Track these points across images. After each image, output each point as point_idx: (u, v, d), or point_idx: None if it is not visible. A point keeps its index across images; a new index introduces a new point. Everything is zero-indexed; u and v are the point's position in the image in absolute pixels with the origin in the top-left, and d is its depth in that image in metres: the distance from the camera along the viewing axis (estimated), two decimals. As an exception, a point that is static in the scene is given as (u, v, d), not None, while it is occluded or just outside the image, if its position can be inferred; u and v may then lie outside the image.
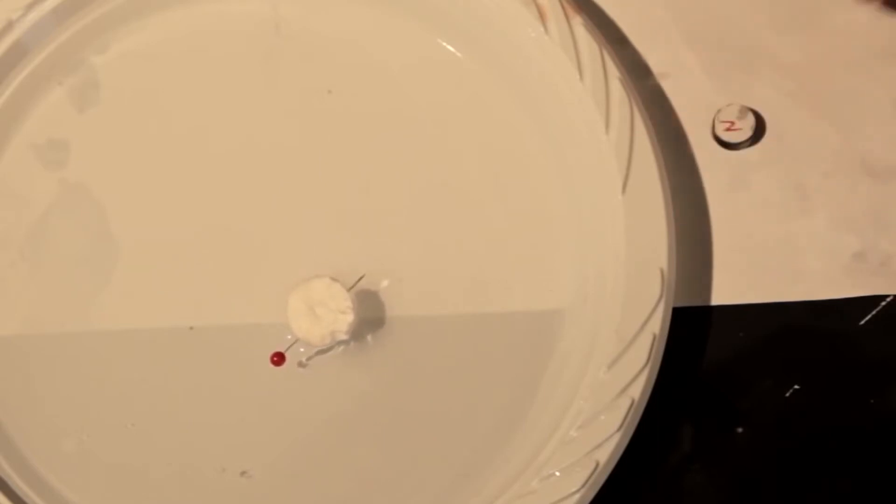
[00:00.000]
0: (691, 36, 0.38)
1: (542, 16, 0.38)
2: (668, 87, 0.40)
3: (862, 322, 0.39)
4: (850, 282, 0.39)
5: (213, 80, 0.40)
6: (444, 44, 0.40)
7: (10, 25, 0.39)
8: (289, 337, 0.37)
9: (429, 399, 0.38)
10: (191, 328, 0.38)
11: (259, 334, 0.38)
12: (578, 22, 0.37)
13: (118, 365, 0.38)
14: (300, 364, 0.38)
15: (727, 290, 0.39)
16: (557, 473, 0.35)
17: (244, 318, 0.38)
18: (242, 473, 0.38)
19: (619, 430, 0.35)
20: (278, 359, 0.37)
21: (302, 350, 0.37)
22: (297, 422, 0.38)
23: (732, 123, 0.39)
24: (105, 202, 0.39)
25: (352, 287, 0.37)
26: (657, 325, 0.36)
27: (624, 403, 0.35)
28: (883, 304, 0.39)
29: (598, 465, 0.35)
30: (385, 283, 0.38)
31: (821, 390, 0.38)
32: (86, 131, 0.40)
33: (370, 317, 0.38)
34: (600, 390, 0.35)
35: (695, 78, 0.40)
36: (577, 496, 0.35)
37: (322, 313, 0.36)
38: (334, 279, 0.36)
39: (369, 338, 0.38)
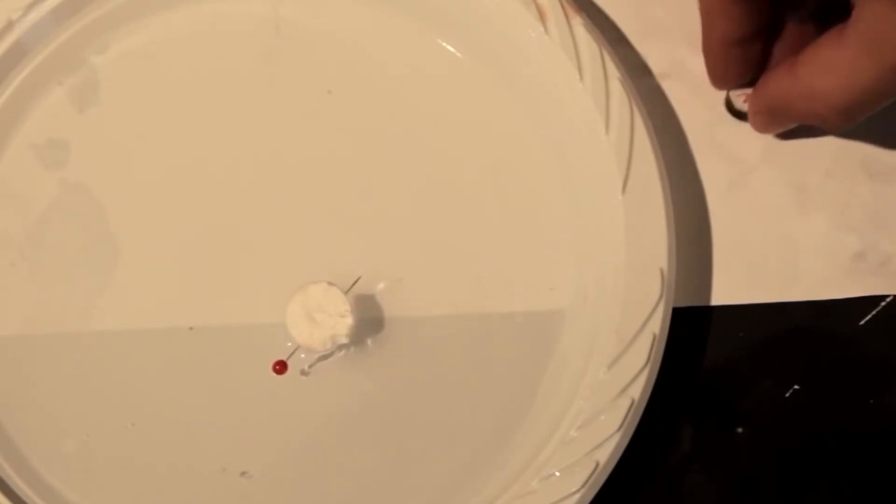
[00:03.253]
0: (691, 36, 0.38)
1: (542, 16, 0.38)
2: (668, 87, 0.40)
3: (862, 322, 0.39)
4: (850, 282, 0.39)
5: (213, 80, 0.40)
6: (444, 44, 0.40)
7: (10, 25, 0.39)
8: (289, 344, 0.37)
9: (428, 399, 0.38)
10: (191, 328, 0.38)
11: (259, 335, 0.38)
12: (578, 22, 0.37)
13: (118, 365, 0.38)
14: (303, 372, 0.38)
15: (727, 290, 0.39)
16: (557, 473, 0.35)
17: (244, 319, 0.38)
18: (242, 473, 0.38)
19: (619, 430, 0.35)
20: (280, 367, 0.37)
21: (303, 357, 0.37)
22: (296, 422, 0.38)
23: (749, 94, 0.39)
24: (105, 202, 0.39)
25: (349, 290, 0.37)
26: (657, 325, 0.36)
27: (624, 403, 0.35)
28: (883, 304, 0.39)
29: (598, 465, 0.35)
30: (381, 285, 0.38)
31: (821, 390, 0.38)
32: (86, 131, 0.40)
33: (369, 318, 0.38)
34: (600, 390, 0.35)
35: (695, 78, 0.39)
36: (577, 496, 0.35)
37: (321, 318, 0.36)
38: (331, 283, 0.36)
39: (369, 339, 0.38)
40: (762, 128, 0.38)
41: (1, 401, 0.38)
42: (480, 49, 0.39)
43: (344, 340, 0.36)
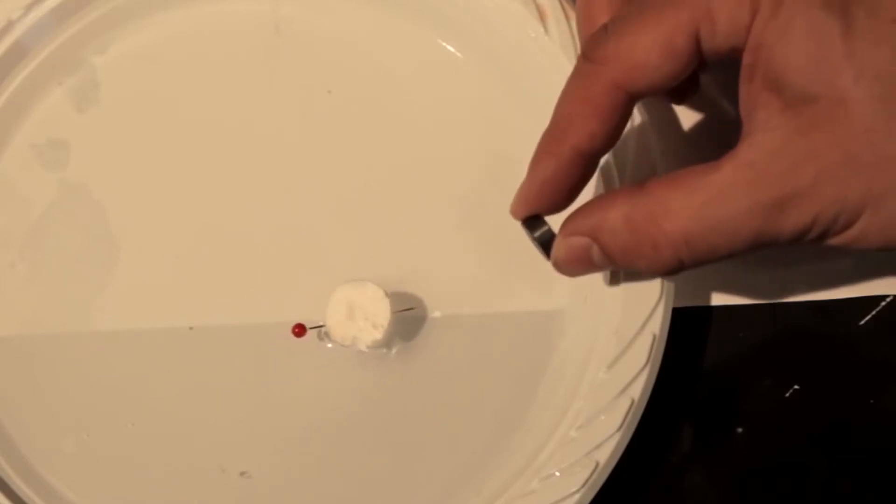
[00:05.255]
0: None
1: (542, 16, 0.38)
2: (667, 87, 0.40)
3: (862, 322, 0.39)
4: (849, 282, 0.39)
5: (212, 80, 0.40)
6: (444, 44, 0.40)
7: (10, 25, 0.39)
8: (322, 324, 0.37)
9: (429, 399, 0.38)
10: (191, 328, 0.38)
11: (259, 335, 0.38)
12: (578, 22, 0.37)
13: (118, 365, 0.38)
14: (319, 337, 0.37)
15: (727, 290, 0.39)
16: (557, 473, 0.35)
17: (244, 319, 0.38)
18: (242, 473, 0.38)
19: (619, 430, 0.35)
20: (300, 330, 0.37)
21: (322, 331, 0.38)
22: (296, 422, 0.38)
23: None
24: (105, 202, 0.39)
25: (399, 311, 0.37)
26: (657, 325, 0.36)
27: (624, 403, 0.35)
28: (883, 304, 0.39)
29: (598, 465, 0.35)
30: (437, 313, 0.38)
31: (821, 390, 0.38)
32: (86, 131, 0.40)
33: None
34: (600, 390, 0.35)
35: (695, 78, 0.39)
36: (577, 496, 0.35)
37: (358, 317, 0.36)
38: (387, 294, 0.36)
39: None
40: (570, 261, 0.32)
41: (1, 401, 0.38)
42: (480, 49, 0.39)
43: (362, 348, 0.36)
